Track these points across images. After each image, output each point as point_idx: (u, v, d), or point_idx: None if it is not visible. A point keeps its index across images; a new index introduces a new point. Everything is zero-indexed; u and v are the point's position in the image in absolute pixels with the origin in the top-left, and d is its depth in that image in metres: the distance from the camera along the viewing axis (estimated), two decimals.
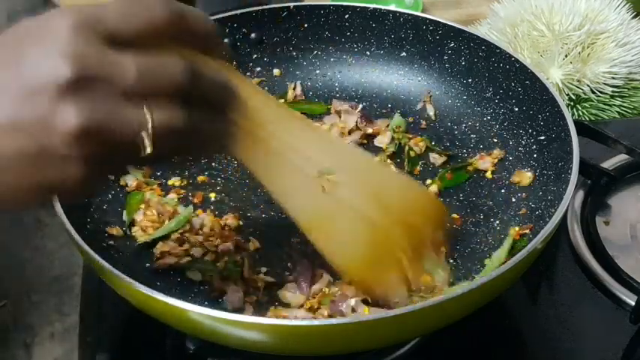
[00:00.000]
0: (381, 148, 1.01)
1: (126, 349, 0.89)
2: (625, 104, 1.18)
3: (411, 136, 1.01)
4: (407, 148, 0.99)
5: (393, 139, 1.01)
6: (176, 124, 0.57)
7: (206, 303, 0.83)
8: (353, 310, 0.80)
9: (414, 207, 0.77)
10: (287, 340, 0.71)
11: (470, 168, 0.97)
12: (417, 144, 1.00)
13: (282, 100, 1.06)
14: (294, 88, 1.07)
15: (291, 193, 0.70)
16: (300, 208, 0.70)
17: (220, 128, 0.62)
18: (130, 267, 0.86)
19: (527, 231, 0.87)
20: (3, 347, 0.93)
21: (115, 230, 0.88)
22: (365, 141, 1.03)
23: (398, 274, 0.74)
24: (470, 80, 1.04)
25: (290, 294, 0.82)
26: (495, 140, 1.00)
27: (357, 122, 1.03)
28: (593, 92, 1.17)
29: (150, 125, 0.55)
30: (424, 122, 1.04)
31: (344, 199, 0.71)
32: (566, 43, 1.15)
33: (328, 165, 0.70)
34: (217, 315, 0.69)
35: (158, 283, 0.84)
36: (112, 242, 0.88)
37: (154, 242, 0.88)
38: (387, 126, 1.04)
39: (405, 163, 0.98)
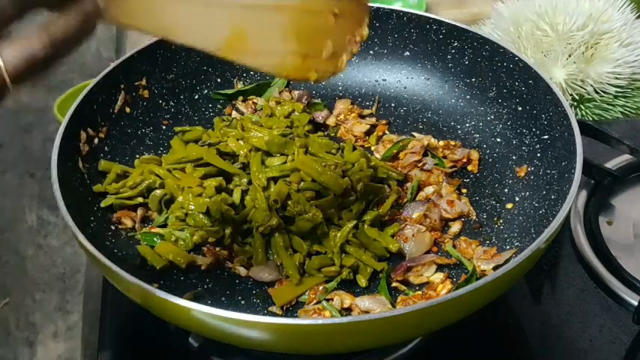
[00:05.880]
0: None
1: (129, 347, 0.89)
2: (628, 104, 1.18)
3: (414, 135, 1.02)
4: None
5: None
6: (33, 53, 0.57)
7: (209, 302, 0.83)
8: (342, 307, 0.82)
9: None
10: (289, 338, 0.72)
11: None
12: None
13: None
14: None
15: (193, 26, 0.64)
16: (209, 35, 0.65)
17: (90, 13, 0.59)
18: (133, 266, 0.86)
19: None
20: (6, 345, 0.94)
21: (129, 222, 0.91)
22: (367, 144, 1.03)
23: (330, 44, 0.70)
24: (473, 80, 1.04)
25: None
26: (499, 140, 1.00)
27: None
28: (597, 92, 1.16)
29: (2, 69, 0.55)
30: (427, 122, 1.05)
31: (249, 15, 0.66)
32: (570, 43, 1.15)
33: None
34: (221, 314, 0.69)
35: (162, 282, 0.84)
36: (115, 241, 0.88)
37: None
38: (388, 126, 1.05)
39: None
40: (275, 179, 0.91)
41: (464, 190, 0.96)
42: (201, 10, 0.64)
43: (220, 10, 0.65)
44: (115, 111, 0.98)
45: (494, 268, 0.84)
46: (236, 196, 0.91)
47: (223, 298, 0.84)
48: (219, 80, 1.08)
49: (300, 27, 0.68)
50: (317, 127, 1.05)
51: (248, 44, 0.66)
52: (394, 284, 0.85)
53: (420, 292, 0.84)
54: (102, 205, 0.91)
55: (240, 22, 0.65)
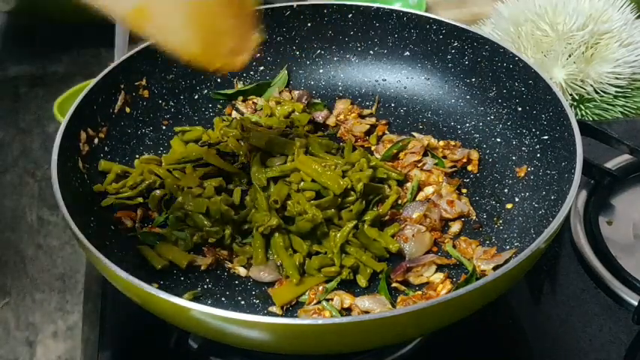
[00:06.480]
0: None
1: (129, 347, 0.89)
2: (628, 104, 1.18)
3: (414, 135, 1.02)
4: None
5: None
6: None
7: (209, 302, 0.83)
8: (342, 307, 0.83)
9: None
10: (289, 338, 0.72)
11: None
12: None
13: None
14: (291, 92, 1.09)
15: None
16: (116, 2, 0.73)
17: None
18: (133, 266, 0.86)
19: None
20: (6, 345, 0.94)
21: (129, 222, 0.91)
22: (367, 144, 1.03)
23: (229, 39, 0.78)
24: (473, 80, 1.04)
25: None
26: (499, 140, 1.00)
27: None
28: (597, 92, 1.16)
29: None
30: (427, 122, 1.05)
31: None
32: (570, 43, 1.15)
33: None
34: (221, 314, 0.69)
35: (162, 282, 0.84)
36: (115, 241, 0.88)
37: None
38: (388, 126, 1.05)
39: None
40: (275, 179, 0.91)
41: (464, 190, 0.96)
42: None
43: None
44: (115, 111, 0.98)
45: (494, 268, 0.84)
46: (236, 196, 0.91)
47: (223, 298, 0.84)
48: (219, 80, 1.08)
49: (199, 18, 0.75)
50: (317, 127, 1.05)
51: (151, 20, 0.73)
52: (394, 284, 0.85)
53: (420, 292, 0.84)
54: (102, 205, 0.91)
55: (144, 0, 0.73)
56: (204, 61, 0.76)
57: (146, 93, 1.02)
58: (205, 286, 0.85)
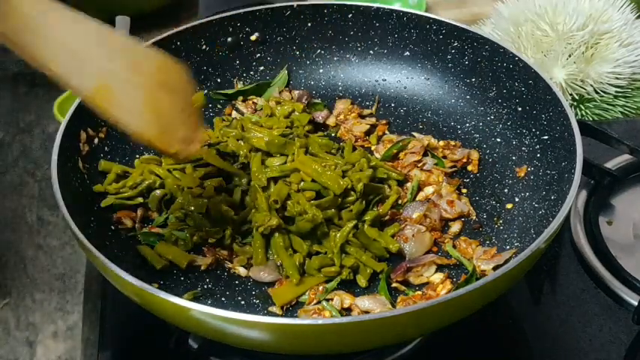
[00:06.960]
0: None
1: (129, 348, 0.89)
2: (628, 104, 1.18)
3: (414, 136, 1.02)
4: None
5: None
6: None
7: (209, 302, 0.83)
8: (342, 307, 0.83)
9: (165, 71, 0.82)
10: (289, 338, 0.72)
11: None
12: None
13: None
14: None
15: (70, 66, 0.76)
16: (81, 78, 0.76)
17: None
18: (133, 266, 0.86)
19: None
20: (6, 345, 0.94)
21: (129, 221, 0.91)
22: (367, 144, 1.03)
23: (181, 129, 0.81)
24: (473, 80, 1.04)
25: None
26: (499, 140, 1.00)
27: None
28: (597, 92, 1.16)
29: None
30: (427, 122, 1.05)
31: (115, 72, 0.77)
32: (570, 43, 1.15)
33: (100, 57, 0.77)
34: (221, 314, 0.69)
35: (162, 282, 0.84)
36: (115, 241, 0.88)
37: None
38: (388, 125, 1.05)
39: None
40: (275, 179, 0.91)
41: (464, 190, 0.96)
42: (76, 56, 0.75)
43: (90, 62, 0.76)
44: None
45: (494, 268, 0.84)
46: (236, 196, 0.91)
47: (223, 298, 0.84)
48: (219, 80, 1.08)
49: (154, 105, 0.79)
50: (317, 127, 1.05)
51: (115, 99, 0.76)
52: (394, 284, 0.85)
53: (420, 292, 0.84)
54: (102, 205, 0.91)
55: (107, 79, 0.76)
56: (161, 145, 0.79)
57: None
58: (205, 286, 0.86)
